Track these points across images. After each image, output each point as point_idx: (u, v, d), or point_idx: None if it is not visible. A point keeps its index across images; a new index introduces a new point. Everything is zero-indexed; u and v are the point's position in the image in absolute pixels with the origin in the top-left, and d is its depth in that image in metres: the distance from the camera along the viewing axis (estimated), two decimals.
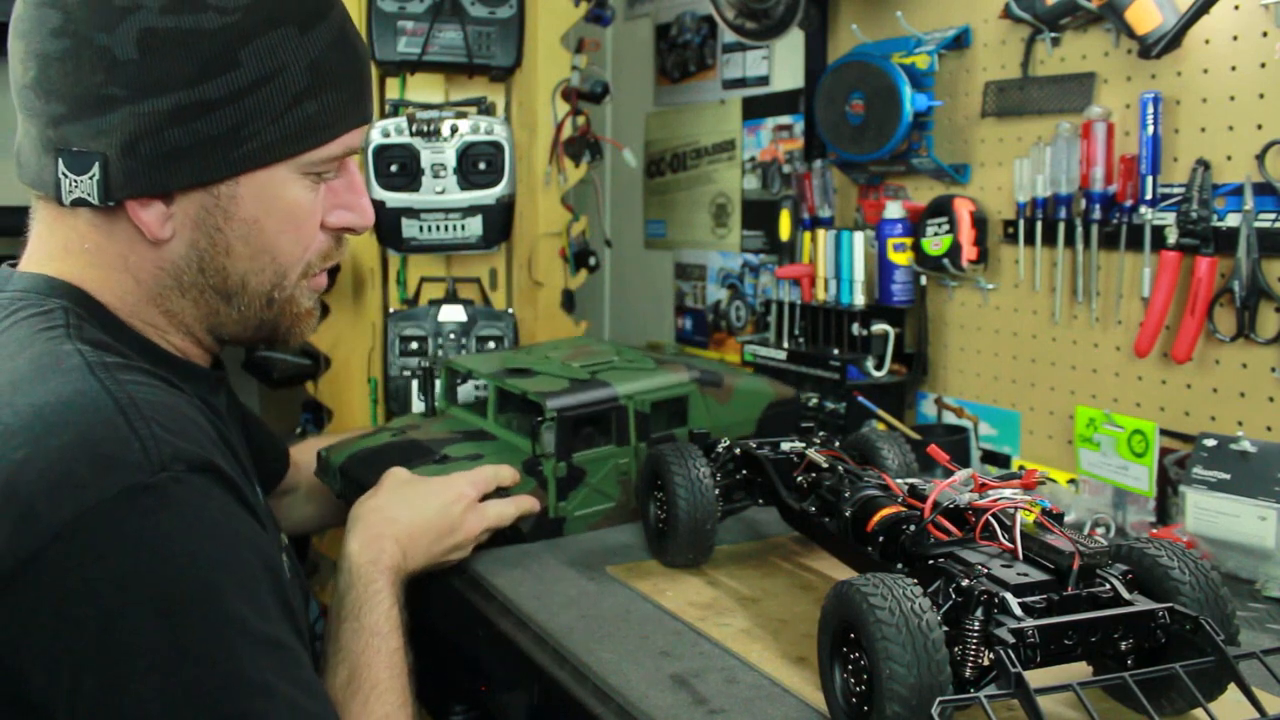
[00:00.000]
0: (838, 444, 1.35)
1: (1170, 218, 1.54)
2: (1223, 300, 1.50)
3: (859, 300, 1.99)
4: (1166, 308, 1.55)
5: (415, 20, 2.11)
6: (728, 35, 2.45)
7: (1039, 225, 1.73)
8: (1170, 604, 0.89)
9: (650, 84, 2.89)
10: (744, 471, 1.36)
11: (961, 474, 1.03)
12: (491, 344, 2.21)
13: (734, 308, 2.63)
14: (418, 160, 2.07)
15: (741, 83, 2.56)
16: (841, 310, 2.00)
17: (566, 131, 2.27)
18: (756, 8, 2.10)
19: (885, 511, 1.06)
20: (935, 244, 1.87)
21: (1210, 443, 1.43)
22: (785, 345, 2.11)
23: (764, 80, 2.49)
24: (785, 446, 1.33)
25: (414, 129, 2.07)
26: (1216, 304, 1.51)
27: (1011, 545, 0.95)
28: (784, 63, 2.41)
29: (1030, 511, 0.97)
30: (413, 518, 1.25)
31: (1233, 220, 1.48)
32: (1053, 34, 1.71)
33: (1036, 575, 0.90)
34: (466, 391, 1.70)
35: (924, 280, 1.95)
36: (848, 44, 2.09)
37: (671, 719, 0.99)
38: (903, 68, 1.90)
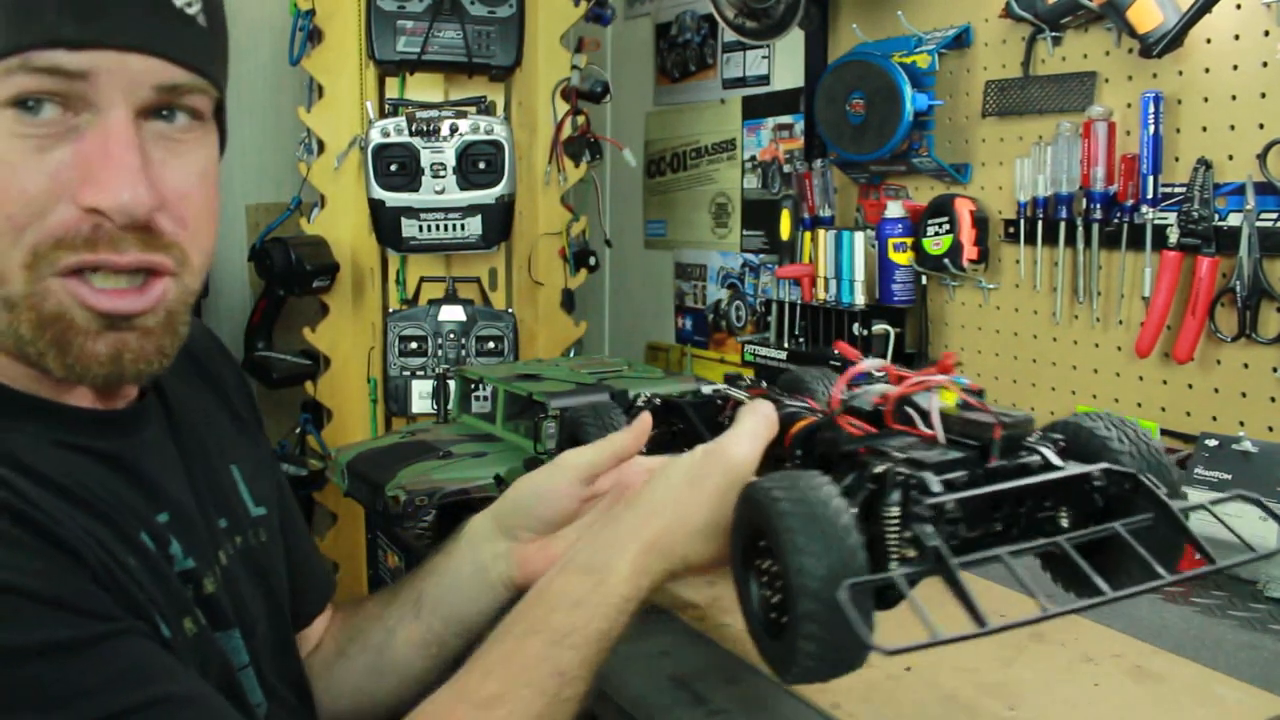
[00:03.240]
0: (765, 384, 1.27)
1: (1171, 217, 1.53)
2: (1224, 300, 1.50)
3: (859, 300, 1.99)
4: (1168, 307, 1.55)
5: (415, 19, 2.11)
6: (728, 34, 2.45)
7: (1040, 225, 1.73)
8: (1106, 465, 0.81)
9: (650, 83, 2.89)
10: (668, 424, 1.23)
11: (869, 362, 0.92)
12: (491, 344, 2.21)
13: (734, 308, 2.62)
14: (417, 160, 2.07)
15: (741, 82, 2.56)
16: (842, 310, 2.00)
17: (566, 131, 2.27)
18: (757, 7, 2.10)
19: (801, 424, 0.96)
20: (936, 244, 1.86)
21: (1211, 443, 1.43)
22: (785, 345, 2.10)
23: (764, 80, 2.49)
24: (707, 390, 1.22)
25: (413, 128, 2.07)
26: (1218, 304, 1.51)
27: (930, 430, 0.85)
28: (784, 62, 2.41)
29: (949, 392, 0.87)
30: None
31: (1234, 220, 1.48)
32: (1054, 33, 1.70)
33: (958, 453, 0.81)
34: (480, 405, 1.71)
35: (924, 280, 1.95)
36: (848, 43, 2.09)
37: (671, 719, 0.99)
38: (903, 67, 1.90)
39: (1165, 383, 1.61)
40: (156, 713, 0.68)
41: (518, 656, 0.82)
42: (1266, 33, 1.44)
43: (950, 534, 0.76)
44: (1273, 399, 1.47)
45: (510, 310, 2.29)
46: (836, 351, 1.05)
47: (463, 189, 2.09)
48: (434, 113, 2.09)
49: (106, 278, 0.74)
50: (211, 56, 0.77)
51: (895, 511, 0.76)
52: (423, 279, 2.30)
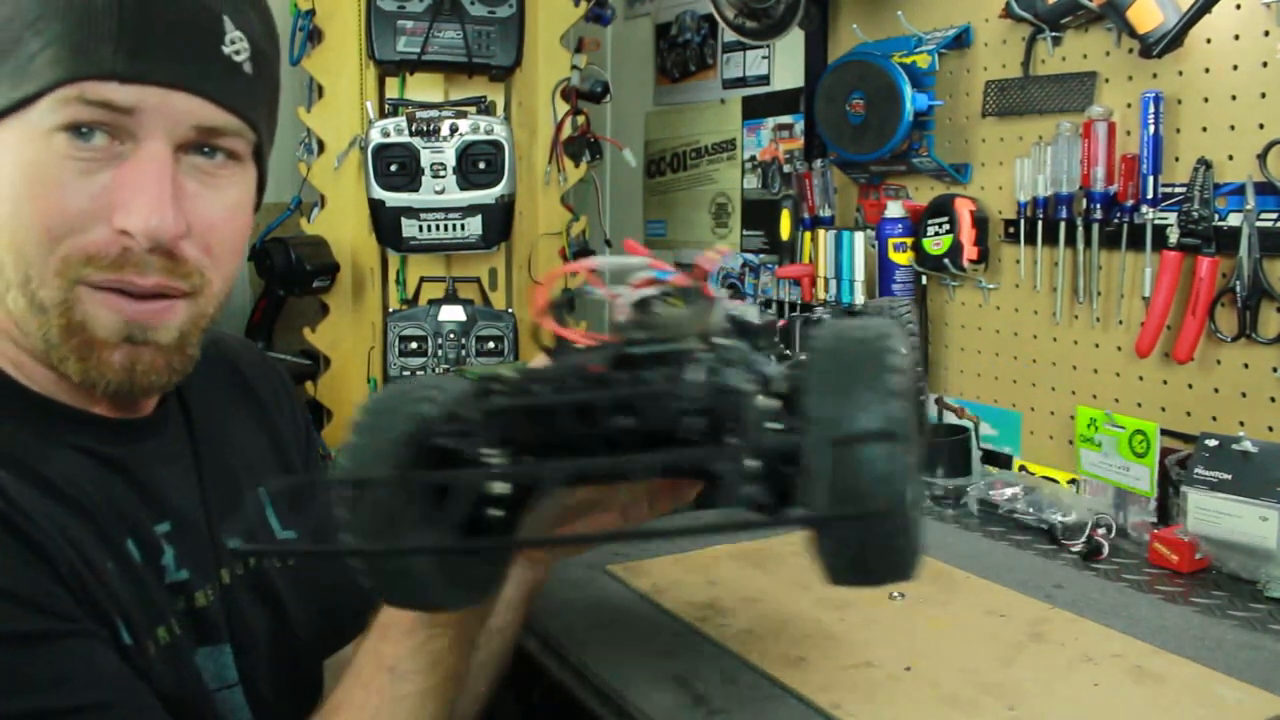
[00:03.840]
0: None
1: (1172, 217, 1.53)
2: (1224, 300, 1.50)
3: (859, 300, 1.99)
4: (1168, 308, 1.55)
5: (415, 19, 2.11)
6: (728, 34, 2.45)
7: (1040, 225, 1.72)
8: (709, 380, 0.65)
9: (650, 83, 2.89)
10: None
11: (599, 259, 0.80)
12: (491, 344, 2.21)
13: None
14: (417, 160, 2.07)
15: (741, 82, 2.55)
16: (842, 310, 2.00)
17: (566, 131, 2.27)
18: (757, 7, 2.10)
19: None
20: (936, 244, 1.86)
21: (1211, 443, 1.43)
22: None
23: (764, 80, 2.49)
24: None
25: (413, 128, 2.06)
26: (1218, 304, 1.51)
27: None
28: (784, 62, 2.41)
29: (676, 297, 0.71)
30: None
31: (1234, 220, 1.48)
32: (1054, 33, 1.70)
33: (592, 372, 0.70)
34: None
35: (924, 280, 1.95)
36: (848, 43, 2.09)
37: (671, 719, 0.99)
38: (903, 67, 1.90)
39: (1165, 383, 1.61)
40: (90, 717, 0.71)
41: (354, 660, 0.84)
42: (1266, 33, 1.44)
43: (487, 443, 0.66)
44: (1273, 399, 1.47)
45: (510, 310, 2.29)
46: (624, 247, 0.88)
47: (463, 189, 2.09)
48: (434, 113, 2.09)
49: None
50: (254, 103, 0.82)
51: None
52: (423, 279, 2.29)
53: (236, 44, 0.80)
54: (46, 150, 0.75)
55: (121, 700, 0.73)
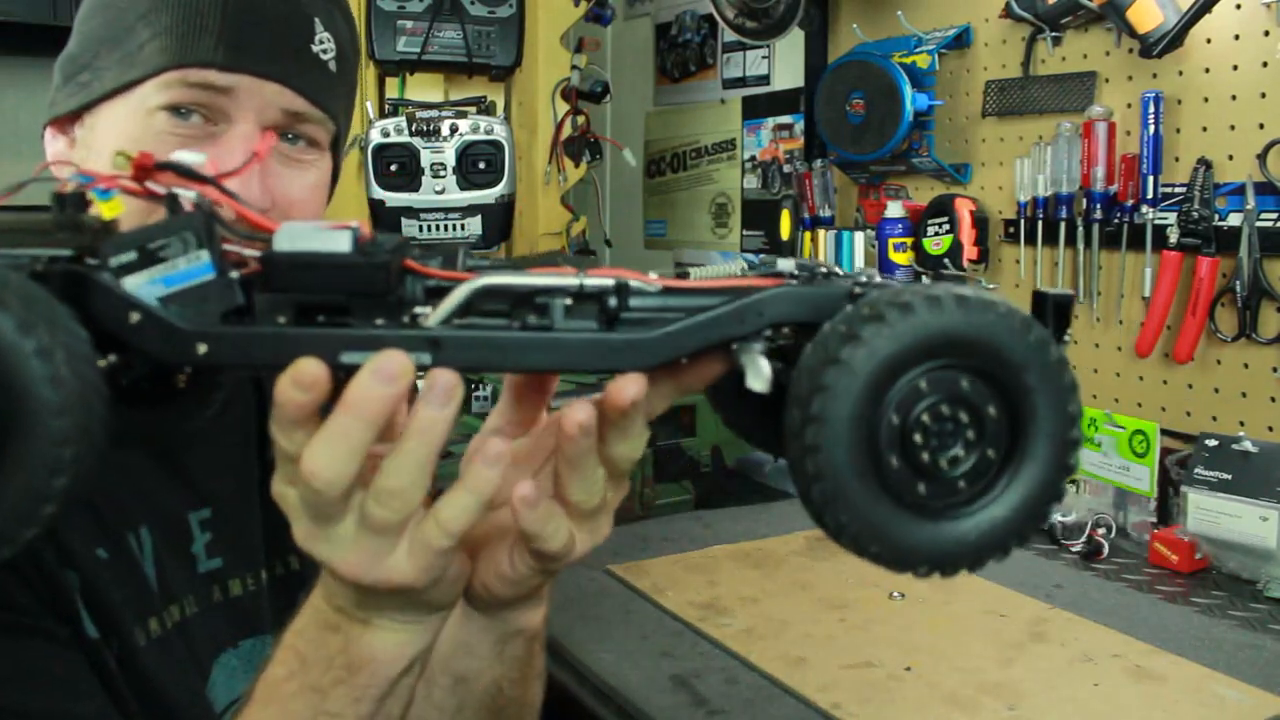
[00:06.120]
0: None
1: (1172, 217, 1.53)
2: (1224, 300, 1.50)
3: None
4: (1168, 308, 1.55)
5: (415, 19, 2.11)
6: (728, 34, 2.45)
7: (1040, 225, 1.72)
8: None
9: (650, 83, 2.89)
10: None
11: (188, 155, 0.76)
12: None
13: None
14: (417, 160, 2.07)
15: (742, 82, 2.55)
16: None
17: (566, 131, 2.27)
18: (757, 7, 2.10)
19: None
20: (936, 244, 1.86)
21: (1212, 443, 1.43)
22: None
23: (764, 80, 2.49)
24: None
25: (413, 128, 2.06)
26: (1218, 304, 1.51)
27: None
28: (784, 62, 2.41)
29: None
30: None
31: (1234, 220, 1.48)
32: (1054, 33, 1.70)
33: None
34: None
35: (925, 280, 1.94)
36: (848, 43, 2.09)
37: (671, 719, 0.99)
38: (903, 67, 1.90)
39: (1165, 383, 1.61)
40: None
41: None
42: (1266, 33, 1.44)
43: None
44: (1273, 399, 1.47)
45: None
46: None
47: (463, 189, 2.09)
48: (434, 113, 2.09)
49: None
50: (335, 96, 0.89)
51: None
52: None
53: (325, 44, 0.88)
54: (147, 126, 0.81)
55: (39, 708, 0.71)
